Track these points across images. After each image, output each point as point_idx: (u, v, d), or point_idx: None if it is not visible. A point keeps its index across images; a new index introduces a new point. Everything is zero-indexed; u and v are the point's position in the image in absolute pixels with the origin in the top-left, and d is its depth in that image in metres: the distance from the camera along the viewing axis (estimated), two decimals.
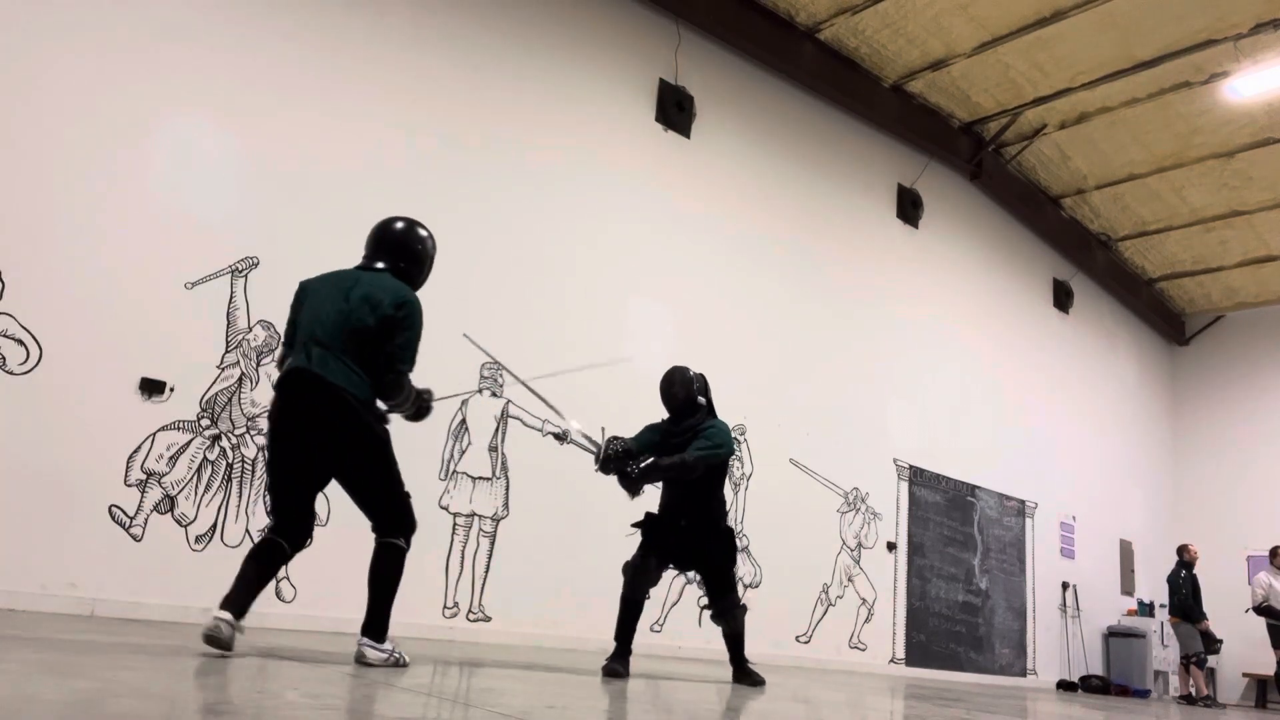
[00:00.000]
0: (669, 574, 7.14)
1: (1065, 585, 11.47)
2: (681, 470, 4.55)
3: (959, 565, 9.96)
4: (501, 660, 4.59)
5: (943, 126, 10.09)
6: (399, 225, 3.69)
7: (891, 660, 8.96)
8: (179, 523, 5.01)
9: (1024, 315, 11.59)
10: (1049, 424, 11.65)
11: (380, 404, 3.49)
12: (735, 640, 4.83)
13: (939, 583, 9.65)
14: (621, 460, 4.63)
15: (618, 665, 4.40)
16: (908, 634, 9.18)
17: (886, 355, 9.48)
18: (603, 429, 4.80)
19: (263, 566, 3.33)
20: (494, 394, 6.37)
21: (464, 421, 6.21)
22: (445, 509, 6.04)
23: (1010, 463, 10.89)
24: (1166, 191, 11.20)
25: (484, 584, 6.13)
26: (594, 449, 4.62)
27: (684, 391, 4.80)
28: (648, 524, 4.78)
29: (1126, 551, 12.80)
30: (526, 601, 6.31)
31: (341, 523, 5.50)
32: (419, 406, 3.65)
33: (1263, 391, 13.50)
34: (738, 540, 4.86)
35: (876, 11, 8.35)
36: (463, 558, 6.07)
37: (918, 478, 9.60)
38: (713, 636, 7.44)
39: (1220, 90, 9.07)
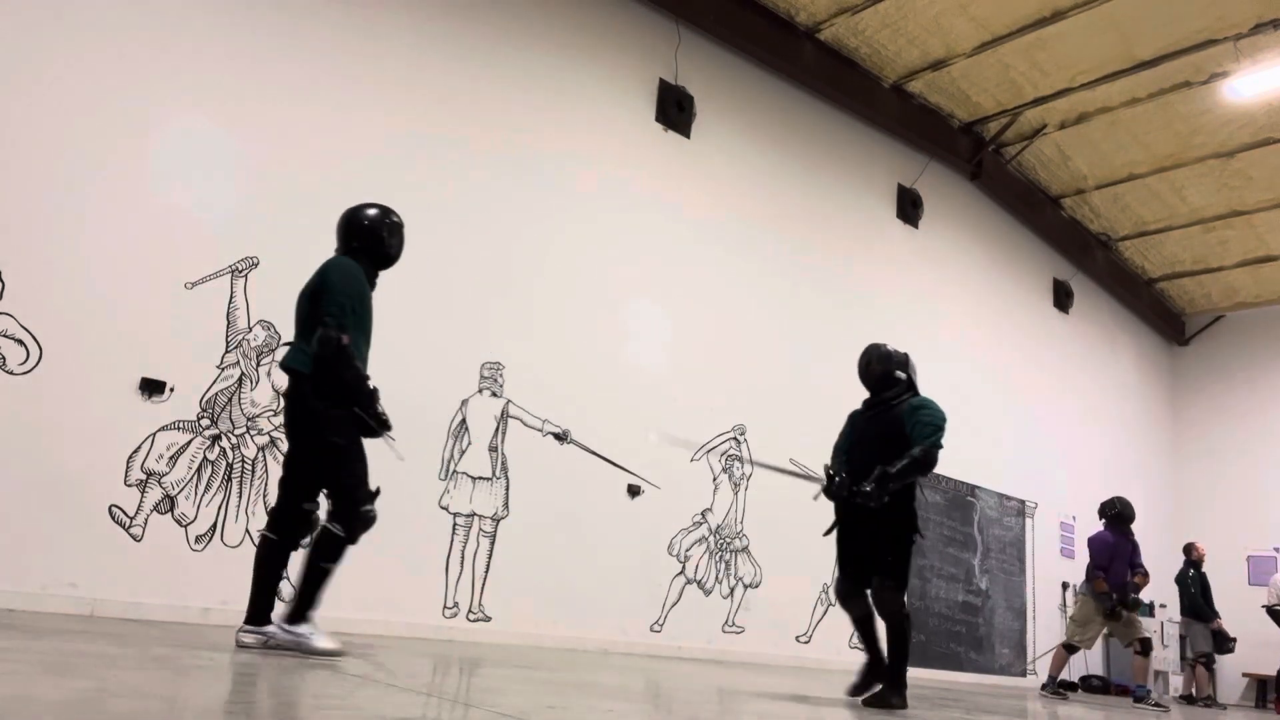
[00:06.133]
0: (669, 575, 7.20)
1: (1065, 585, 11.46)
2: (917, 468, 4.25)
3: (959, 565, 9.96)
4: (501, 660, 4.59)
5: (943, 126, 10.09)
6: (344, 212, 3.92)
7: None
8: (179, 523, 5.00)
9: (1024, 315, 11.58)
10: (1049, 424, 11.64)
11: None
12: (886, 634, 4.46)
13: (939, 583, 9.65)
14: (844, 486, 4.32)
15: (859, 681, 4.31)
16: None
17: None
18: (790, 459, 4.71)
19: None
20: (494, 394, 6.37)
21: (464, 421, 6.21)
22: (445, 509, 6.04)
23: (1010, 463, 10.88)
24: (1166, 191, 11.20)
25: (484, 584, 6.13)
26: (820, 482, 4.54)
27: (881, 367, 4.61)
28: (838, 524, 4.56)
29: None
30: (526, 601, 6.31)
31: None
32: (356, 395, 3.60)
33: (1263, 391, 13.48)
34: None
35: (876, 11, 8.35)
36: (463, 558, 6.07)
37: None
38: (714, 637, 7.47)
39: (1220, 90, 9.06)
